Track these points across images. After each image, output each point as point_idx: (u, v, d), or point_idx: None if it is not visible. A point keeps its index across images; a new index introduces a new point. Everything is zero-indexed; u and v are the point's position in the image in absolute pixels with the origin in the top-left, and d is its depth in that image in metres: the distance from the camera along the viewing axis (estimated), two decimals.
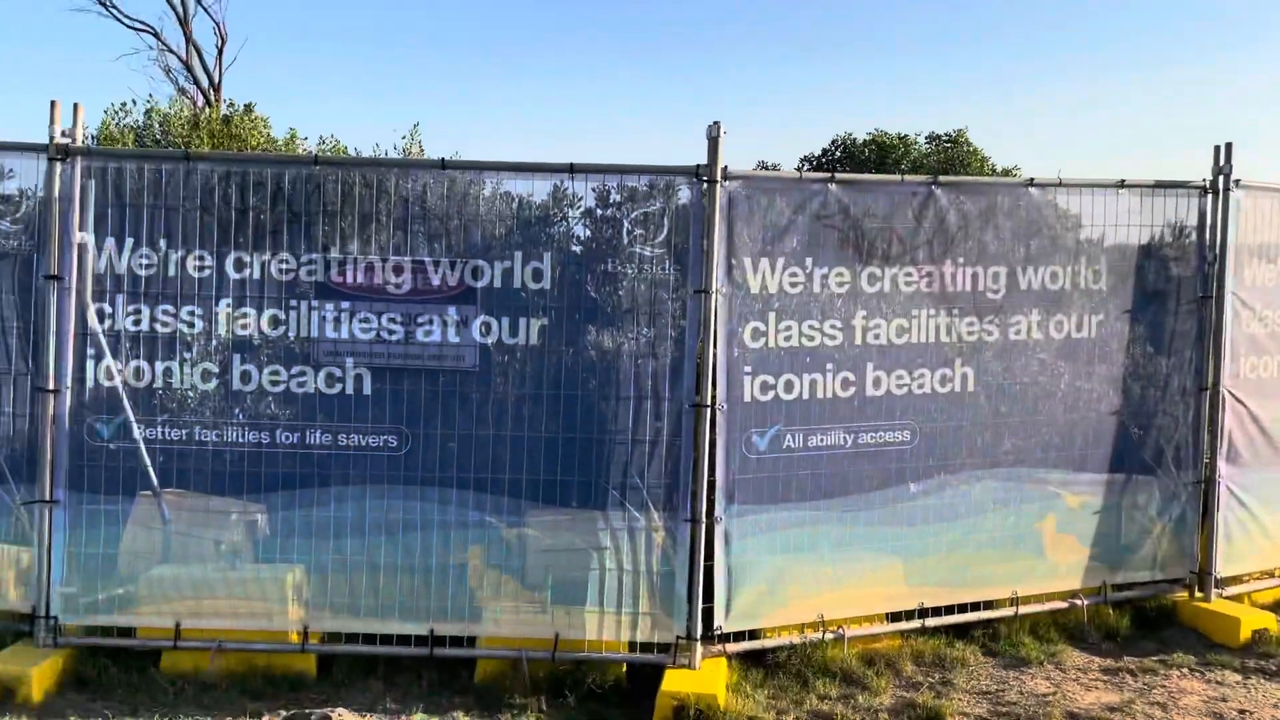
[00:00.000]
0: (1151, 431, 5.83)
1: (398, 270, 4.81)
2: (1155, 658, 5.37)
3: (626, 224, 4.82)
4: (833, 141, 16.64)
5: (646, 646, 4.91)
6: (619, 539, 4.86)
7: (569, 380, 4.81)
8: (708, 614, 4.93)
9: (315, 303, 4.80)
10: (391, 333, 4.80)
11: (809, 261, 5.08)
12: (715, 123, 4.75)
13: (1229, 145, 5.72)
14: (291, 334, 4.80)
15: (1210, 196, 5.80)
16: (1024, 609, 5.57)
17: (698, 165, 4.79)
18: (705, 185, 4.80)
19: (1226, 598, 5.95)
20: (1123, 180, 5.60)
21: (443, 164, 4.82)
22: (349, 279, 4.80)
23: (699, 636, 4.87)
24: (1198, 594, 5.91)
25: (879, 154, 15.96)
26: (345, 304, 4.80)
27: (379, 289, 4.80)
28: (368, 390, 4.81)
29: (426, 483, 4.83)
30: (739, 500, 4.99)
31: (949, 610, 5.46)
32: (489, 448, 4.80)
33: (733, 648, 5.02)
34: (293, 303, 4.80)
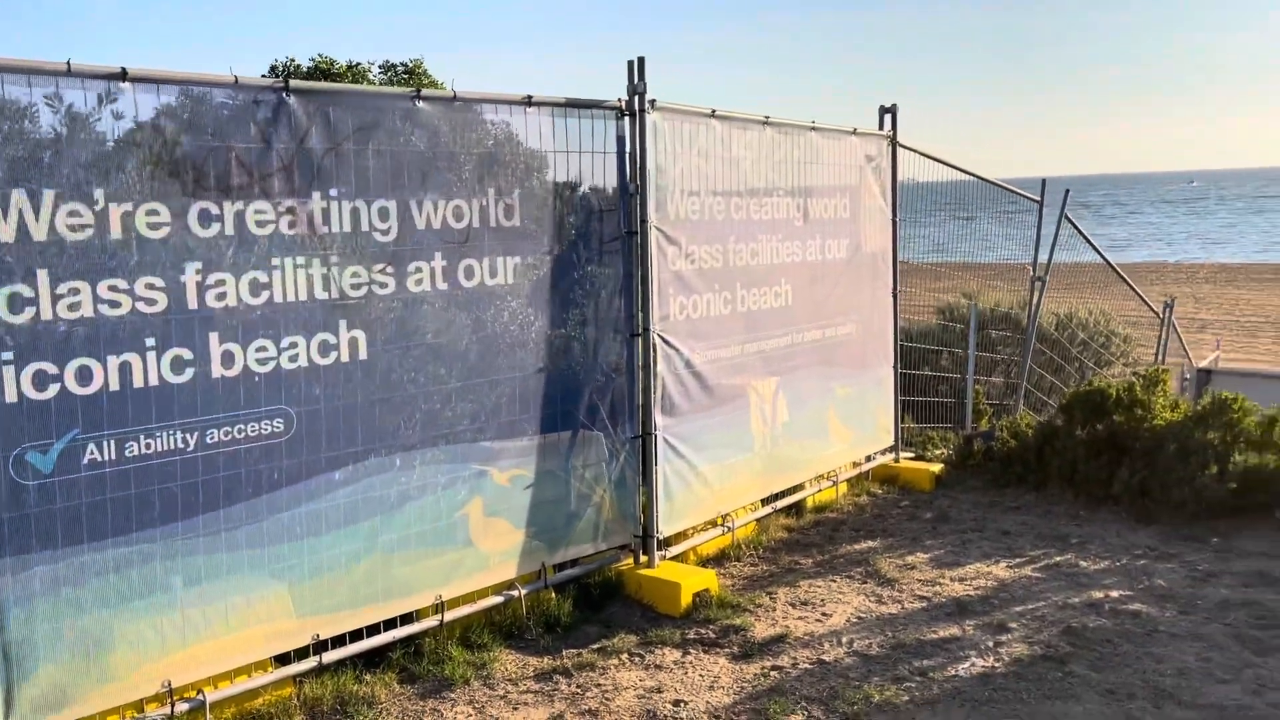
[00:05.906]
0: (585, 387, 5.14)
1: None
2: (596, 645, 4.71)
3: None
4: (271, 68, 14.38)
5: None
6: None
7: None
8: None
9: None
10: None
11: (100, 194, 3.55)
12: None
13: (641, 60, 5.09)
14: None
15: (628, 119, 5.17)
16: (452, 614, 4.63)
17: None
18: None
19: (672, 558, 5.52)
20: (530, 96, 4.73)
21: None
22: None
23: None
24: (643, 558, 5.40)
25: None
26: None
27: None
28: None
29: None
30: (10, 553, 3.39)
31: (356, 636, 4.35)
32: None
33: None
34: None
